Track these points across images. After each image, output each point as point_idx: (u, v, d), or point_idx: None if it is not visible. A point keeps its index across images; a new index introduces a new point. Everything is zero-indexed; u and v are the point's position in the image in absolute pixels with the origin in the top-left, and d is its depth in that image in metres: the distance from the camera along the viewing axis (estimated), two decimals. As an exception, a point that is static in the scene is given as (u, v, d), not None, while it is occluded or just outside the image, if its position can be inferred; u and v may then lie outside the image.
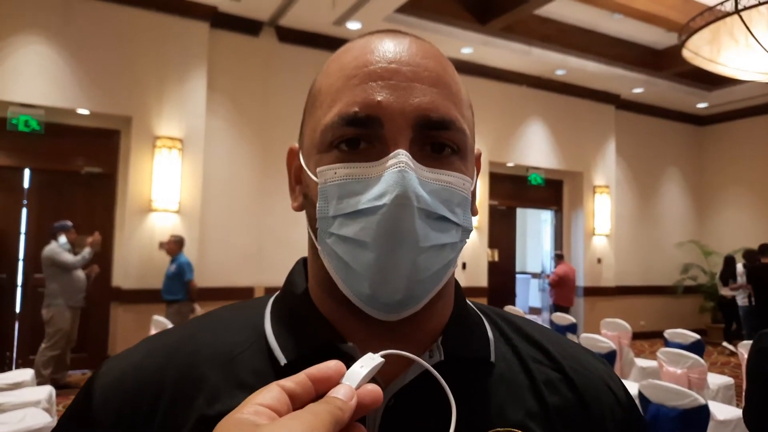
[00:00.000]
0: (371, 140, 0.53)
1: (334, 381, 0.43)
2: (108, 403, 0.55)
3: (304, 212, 0.60)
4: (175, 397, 0.54)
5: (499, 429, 0.55)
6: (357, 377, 0.43)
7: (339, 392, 0.41)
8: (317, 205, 0.54)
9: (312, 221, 0.56)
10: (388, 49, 0.56)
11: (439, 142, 0.55)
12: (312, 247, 0.59)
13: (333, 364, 0.43)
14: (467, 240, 0.58)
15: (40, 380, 5.33)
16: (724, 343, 9.32)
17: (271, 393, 0.40)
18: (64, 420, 0.58)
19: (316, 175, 0.55)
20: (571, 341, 0.69)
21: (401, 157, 0.51)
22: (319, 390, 0.42)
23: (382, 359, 0.45)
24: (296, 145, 0.63)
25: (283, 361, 0.55)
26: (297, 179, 0.62)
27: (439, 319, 0.60)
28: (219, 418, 0.52)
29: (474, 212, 0.59)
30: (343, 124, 0.53)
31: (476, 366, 0.59)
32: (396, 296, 0.52)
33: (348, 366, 0.44)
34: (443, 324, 0.60)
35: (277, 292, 0.65)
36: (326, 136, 0.54)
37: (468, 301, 0.66)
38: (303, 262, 0.65)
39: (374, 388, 0.42)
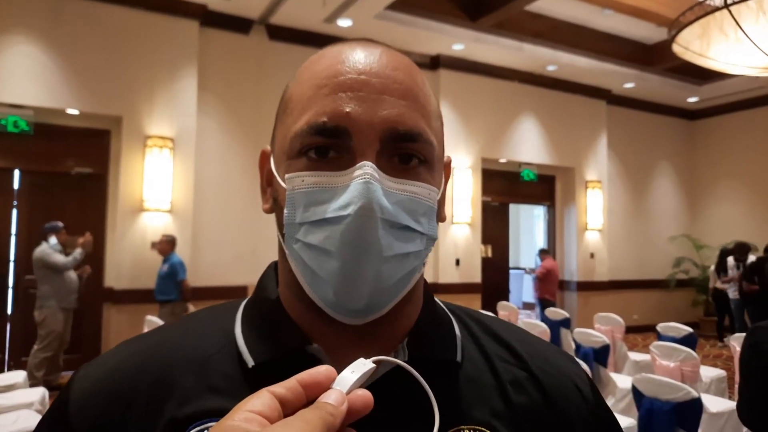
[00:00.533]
0: (339, 150, 0.54)
1: (325, 386, 0.42)
2: (85, 409, 0.56)
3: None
4: (148, 402, 0.55)
5: (463, 427, 0.56)
6: (348, 382, 0.43)
7: (330, 397, 0.41)
8: (284, 211, 0.55)
9: (281, 226, 0.57)
10: (359, 59, 0.57)
11: (406, 153, 0.56)
12: (281, 249, 0.60)
13: (323, 369, 0.43)
14: (432, 247, 0.59)
15: (33, 382, 5.30)
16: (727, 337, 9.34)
17: (261, 399, 0.40)
18: (42, 427, 0.58)
19: (284, 182, 0.56)
20: (541, 340, 0.70)
21: (367, 168, 0.52)
22: (310, 395, 0.42)
23: (374, 365, 0.45)
24: (268, 147, 0.64)
25: (250, 363, 0.56)
26: (268, 182, 0.63)
27: (407, 321, 0.60)
28: (188, 420, 0.52)
29: (441, 219, 0.61)
30: (311, 133, 0.54)
31: (442, 366, 0.60)
32: (360, 303, 0.53)
33: (339, 371, 0.44)
34: (411, 325, 0.61)
35: (250, 296, 0.66)
36: (295, 144, 0.55)
37: (438, 301, 0.67)
38: (274, 266, 0.66)
39: (365, 393, 0.42)
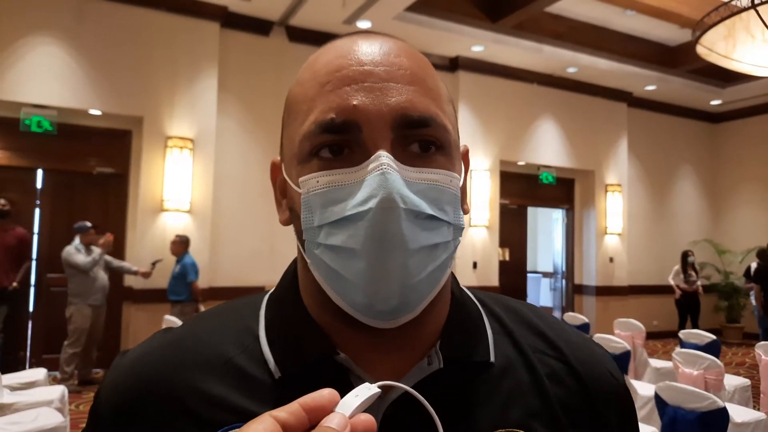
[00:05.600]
0: (351, 146, 0.52)
1: (328, 410, 0.41)
2: (110, 397, 0.57)
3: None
4: (168, 395, 0.55)
5: (500, 430, 0.55)
6: (351, 406, 0.42)
7: (332, 421, 0.40)
8: (302, 216, 0.53)
9: (299, 234, 0.56)
10: (360, 50, 0.55)
11: (421, 140, 0.53)
12: (302, 260, 0.58)
13: (327, 393, 0.42)
14: (460, 239, 0.57)
15: (64, 376, 5.57)
16: None
17: (264, 425, 0.39)
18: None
19: (298, 186, 0.54)
20: (570, 327, 0.69)
21: (383, 158, 0.50)
22: (313, 420, 0.41)
23: (379, 390, 0.44)
24: (278, 158, 0.62)
25: (277, 374, 0.55)
26: (282, 193, 0.61)
27: (436, 322, 0.59)
28: (213, 422, 0.52)
29: (465, 210, 0.58)
30: (320, 132, 0.52)
31: (476, 368, 0.58)
32: (391, 303, 0.50)
33: (342, 394, 0.43)
34: (440, 327, 0.59)
35: (272, 290, 0.64)
36: (304, 146, 0.53)
37: (466, 291, 0.65)
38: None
39: (368, 418, 0.41)
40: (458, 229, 0.56)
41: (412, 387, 0.52)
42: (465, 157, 0.62)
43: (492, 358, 0.59)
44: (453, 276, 0.62)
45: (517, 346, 0.62)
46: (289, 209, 0.58)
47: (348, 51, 0.55)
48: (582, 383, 0.61)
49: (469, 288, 0.67)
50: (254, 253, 6.97)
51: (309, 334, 0.57)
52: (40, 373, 4.37)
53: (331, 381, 0.47)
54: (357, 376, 0.55)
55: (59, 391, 3.95)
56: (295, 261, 0.64)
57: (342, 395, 0.43)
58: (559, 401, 0.58)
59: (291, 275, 0.63)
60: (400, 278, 0.50)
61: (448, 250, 0.54)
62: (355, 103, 0.52)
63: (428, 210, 0.52)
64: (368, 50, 0.55)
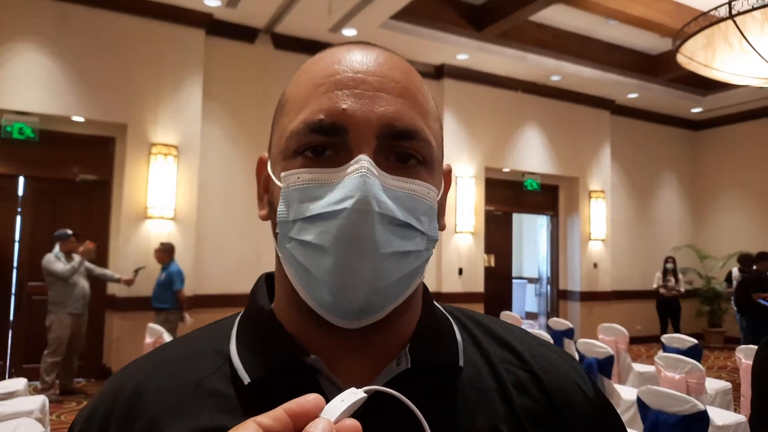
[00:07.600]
0: (336, 148, 0.54)
1: (313, 415, 0.41)
2: None
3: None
4: (145, 426, 0.54)
5: None
6: (336, 411, 0.42)
7: (318, 427, 0.40)
8: (278, 209, 0.55)
9: (275, 227, 0.57)
10: (356, 59, 0.57)
11: (404, 152, 0.55)
12: (278, 256, 0.59)
13: (312, 398, 0.42)
14: (433, 250, 0.58)
15: (44, 386, 5.49)
16: None
17: (248, 431, 0.39)
18: None
19: (280, 181, 0.55)
20: (539, 338, 0.69)
21: (363, 162, 0.51)
22: (297, 425, 0.41)
23: (365, 395, 0.44)
24: (266, 155, 0.63)
25: (246, 380, 0.55)
26: (265, 188, 0.62)
27: (407, 327, 0.59)
28: None
29: (442, 226, 0.59)
30: (308, 131, 0.54)
31: (445, 372, 0.59)
32: (356, 303, 0.51)
33: (327, 400, 0.43)
34: (411, 332, 0.60)
35: (243, 311, 0.65)
36: (291, 143, 0.55)
37: (436, 304, 0.66)
38: (265, 277, 0.65)
39: (353, 423, 0.41)
40: (432, 241, 0.57)
41: (370, 399, 0.53)
42: (447, 176, 0.63)
43: (461, 362, 0.60)
44: (425, 286, 0.63)
45: (484, 355, 0.62)
46: (269, 204, 0.59)
47: (344, 58, 0.57)
48: (547, 394, 0.61)
49: (437, 302, 0.68)
50: (239, 261, 6.93)
51: (277, 340, 0.57)
52: (20, 382, 4.29)
53: (300, 384, 0.47)
54: (326, 378, 0.55)
55: (40, 401, 3.89)
56: (260, 279, 0.65)
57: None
58: (525, 411, 0.59)
59: (258, 289, 0.64)
60: (367, 280, 0.51)
61: (420, 259, 0.55)
62: (344, 107, 0.53)
63: (404, 217, 0.53)
64: (364, 59, 0.57)
